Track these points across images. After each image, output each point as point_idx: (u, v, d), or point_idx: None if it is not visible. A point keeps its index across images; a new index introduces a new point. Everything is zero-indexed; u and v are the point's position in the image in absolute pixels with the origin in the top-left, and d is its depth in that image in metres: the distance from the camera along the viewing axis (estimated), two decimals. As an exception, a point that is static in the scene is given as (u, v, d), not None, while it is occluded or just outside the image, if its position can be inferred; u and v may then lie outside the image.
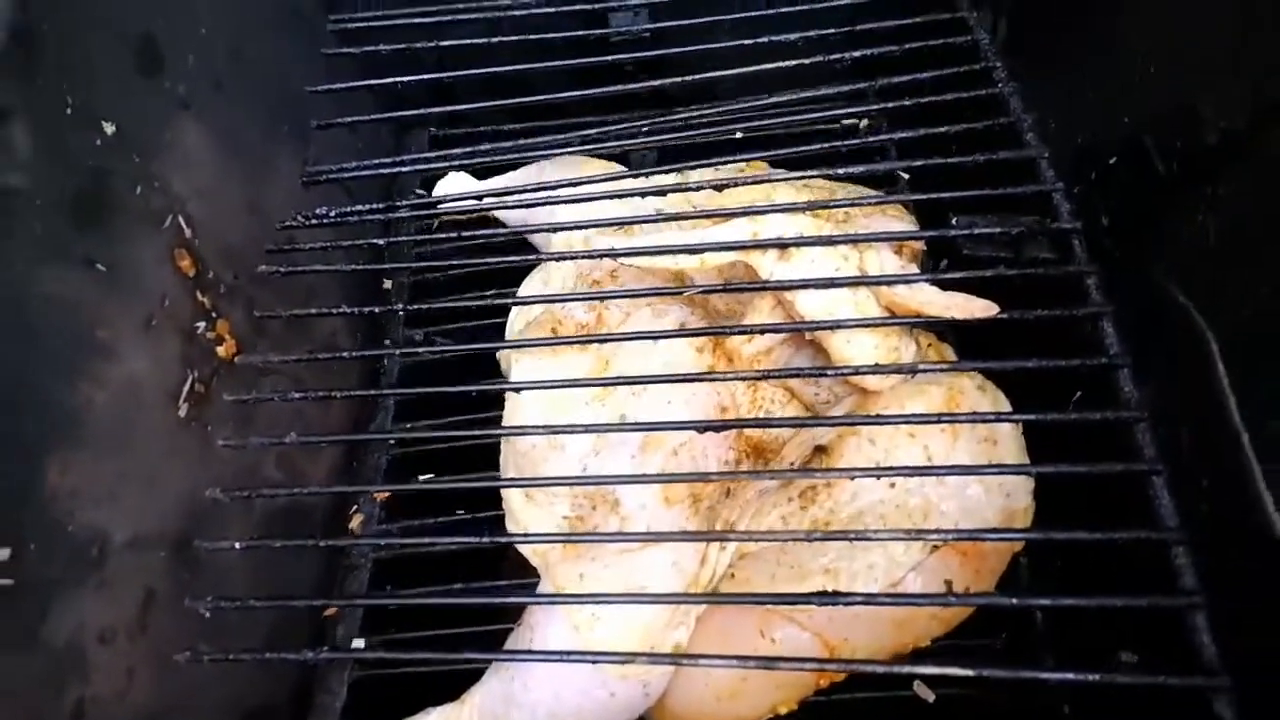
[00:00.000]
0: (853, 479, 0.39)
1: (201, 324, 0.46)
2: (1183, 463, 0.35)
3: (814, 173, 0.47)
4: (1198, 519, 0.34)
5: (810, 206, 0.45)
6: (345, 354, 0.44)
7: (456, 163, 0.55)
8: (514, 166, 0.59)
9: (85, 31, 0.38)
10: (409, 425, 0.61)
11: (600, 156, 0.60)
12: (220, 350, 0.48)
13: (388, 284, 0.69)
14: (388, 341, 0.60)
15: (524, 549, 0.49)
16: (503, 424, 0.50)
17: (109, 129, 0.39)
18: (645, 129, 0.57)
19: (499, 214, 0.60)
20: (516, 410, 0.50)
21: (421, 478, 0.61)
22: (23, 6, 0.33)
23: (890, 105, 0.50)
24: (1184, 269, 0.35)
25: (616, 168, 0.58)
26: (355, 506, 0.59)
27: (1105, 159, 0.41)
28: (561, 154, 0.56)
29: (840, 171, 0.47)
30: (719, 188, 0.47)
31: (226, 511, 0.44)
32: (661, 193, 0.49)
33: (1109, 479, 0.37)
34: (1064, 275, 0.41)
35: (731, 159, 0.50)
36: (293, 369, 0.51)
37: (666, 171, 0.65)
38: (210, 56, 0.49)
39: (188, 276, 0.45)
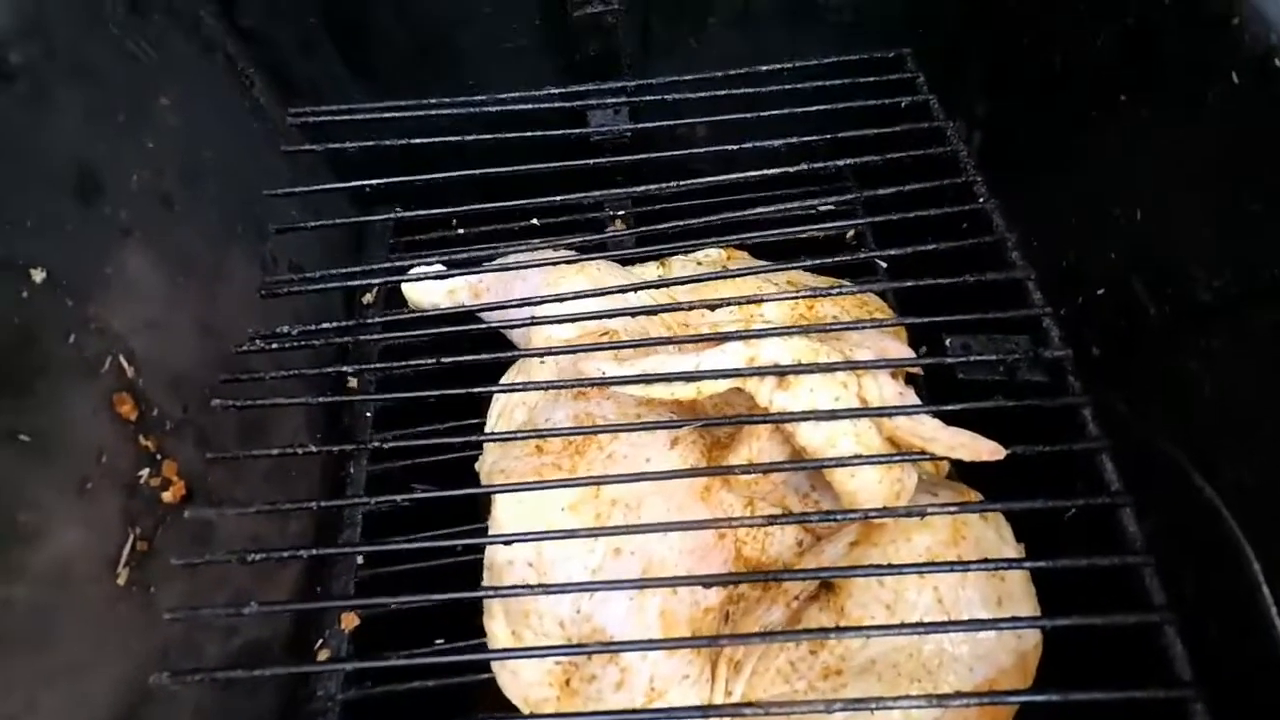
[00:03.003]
0: (869, 637, 0.37)
1: (145, 471, 0.41)
2: (1190, 610, 0.35)
3: (805, 292, 0.46)
4: (1214, 670, 0.34)
5: (806, 330, 0.44)
6: (311, 504, 0.40)
7: (426, 267, 0.52)
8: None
9: (8, 167, 0.34)
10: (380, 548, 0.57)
11: (576, 247, 0.58)
12: (167, 495, 0.43)
13: (353, 383, 0.65)
14: (361, 494, 0.55)
15: (514, 699, 0.46)
16: (485, 563, 0.47)
17: (38, 276, 0.35)
18: (626, 234, 0.56)
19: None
20: (500, 545, 0.47)
21: (393, 603, 0.57)
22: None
23: (879, 219, 0.49)
24: (1178, 420, 0.35)
25: (601, 272, 0.56)
26: (321, 640, 0.54)
27: (1091, 288, 0.42)
28: (546, 261, 0.53)
29: (833, 291, 0.46)
30: (712, 307, 0.46)
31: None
32: (652, 313, 0.47)
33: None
34: (1060, 407, 0.41)
35: (719, 275, 0.49)
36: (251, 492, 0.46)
37: (645, 260, 0.64)
38: (158, 171, 0.44)
39: (129, 422, 0.40)
